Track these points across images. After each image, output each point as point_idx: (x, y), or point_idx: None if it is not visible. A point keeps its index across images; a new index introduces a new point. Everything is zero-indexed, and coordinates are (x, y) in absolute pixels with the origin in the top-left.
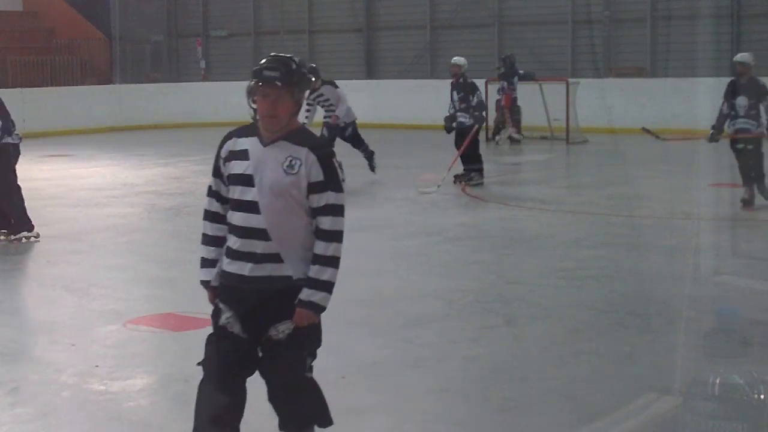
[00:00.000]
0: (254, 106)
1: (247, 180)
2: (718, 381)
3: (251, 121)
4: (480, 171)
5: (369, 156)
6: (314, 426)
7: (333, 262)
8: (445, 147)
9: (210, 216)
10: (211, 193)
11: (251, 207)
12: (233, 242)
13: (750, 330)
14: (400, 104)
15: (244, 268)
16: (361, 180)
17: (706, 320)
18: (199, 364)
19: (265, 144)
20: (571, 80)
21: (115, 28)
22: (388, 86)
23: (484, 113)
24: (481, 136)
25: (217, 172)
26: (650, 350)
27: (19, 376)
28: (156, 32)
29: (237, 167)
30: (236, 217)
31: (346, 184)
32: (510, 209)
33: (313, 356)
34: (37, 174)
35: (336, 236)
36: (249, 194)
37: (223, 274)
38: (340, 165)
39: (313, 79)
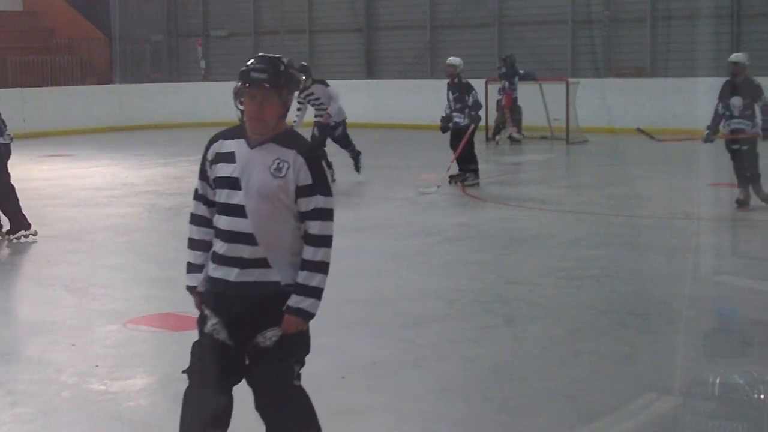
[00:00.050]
0: (241, 107)
1: (233, 183)
2: (718, 381)
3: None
4: (475, 171)
5: (356, 157)
6: None
7: (322, 267)
8: (445, 147)
9: (196, 220)
10: (197, 196)
11: (238, 211)
12: (219, 247)
13: (750, 330)
14: (400, 104)
15: (231, 274)
16: (361, 180)
17: (706, 320)
18: (184, 371)
19: (252, 146)
20: (571, 80)
21: (115, 28)
22: (388, 86)
23: (480, 113)
24: (481, 136)
25: (203, 175)
26: (650, 350)
27: (20, 376)
28: (156, 32)
29: (223, 170)
30: (222, 221)
31: (341, 183)
32: (510, 209)
33: (302, 363)
34: (37, 174)
35: (325, 241)
36: (235, 198)
37: (209, 280)
38: (330, 165)
39: (304, 77)
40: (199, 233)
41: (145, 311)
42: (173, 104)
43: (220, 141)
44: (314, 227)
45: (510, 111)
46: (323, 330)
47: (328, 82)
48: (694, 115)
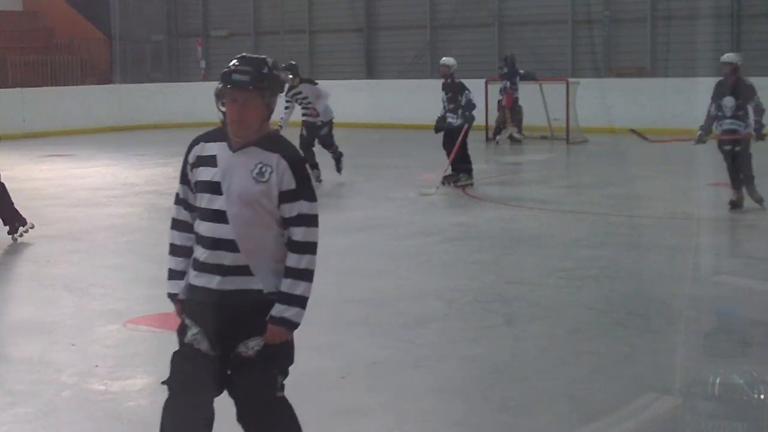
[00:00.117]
0: (223, 109)
1: (214, 188)
2: (718, 381)
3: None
4: (469, 171)
5: (337, 158)
6: None
7: (306, 275)
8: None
9: (177, 225)
10: (179, 200)
11: (219, 216)
12: (200, 254)
13: (750, 330)
14: (400, 104)
15: (212, 282)
16: (361, 180)
17: (706, 320)
18: (164, 383)
19: (234, 150)
20: (571, 80)
21: (115, 28)
22: (388, 86)
23: (473, 113)
24: (481, 136)
25: (184, 179)
26: (650, 350)
27: (20, 376)
28: (156, 32)
29: (204, 174)
30: (203, 227)
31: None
32: (510, 209)
33: (285, 374)
34: (37, 174)
35: (309, 248)
36: (216, 203)
37: (190, 288)
38: (316, 166)
39: (291, 76)
40: (181, 239)
41: (145, 311)
42: (173, 104)
43: (202, 144)
44: (298, 234)
45: (511, 111)
46: (323, 330)
47: (318, 81)
48: (694, 115)
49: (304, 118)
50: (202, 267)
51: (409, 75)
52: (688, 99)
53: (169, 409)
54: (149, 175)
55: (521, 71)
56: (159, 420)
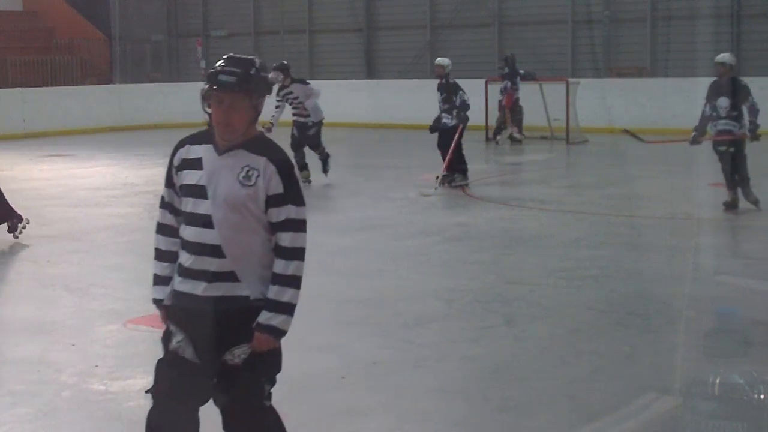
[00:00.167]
0: (209, 111)
1: (200, 191)
2: (718, 381)
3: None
4: (464, 172)
5: (325, 159)
6: None
7: (294, 282)
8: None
9: (163, 229)
10: (164, 204)
11: (204, 221)
12: (185, 259)
13: (750, 330)
14: (400, 104)
15: (197, 288)
16: (361, 180)
17: (706, 320)
18: (147, 391)
19: (220, 153)
20: (571, 80)
21: (115, 28)
22: (388, 86)
23: (468, 113)
24: (481, 136)
25: (169, 182)
26: (650, 350)
27: (20, 376)
28: (156, 32)
29: (190, 177)
30: (188, 232)
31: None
32: (510, 209)
33: (273, 382)
34: (37, 174)
35: (297, 254)
36: (202, 207)
37: (175, 294)
38: (306, 166)
39: (283, 77)
40: (166, 243)
41: (145, 311)
42: (173, 104)
43: (187, 146)
44: (285, 239)
45: (511, 111)
46: (323, 330)
47: (318, 81)
48: (694, 115)
49: (295, 118)
50: (187, 273)
51: (409, 75)
52: (688, 99)
53: (153, 418)
54: (149, 175)
55: (521, 71)
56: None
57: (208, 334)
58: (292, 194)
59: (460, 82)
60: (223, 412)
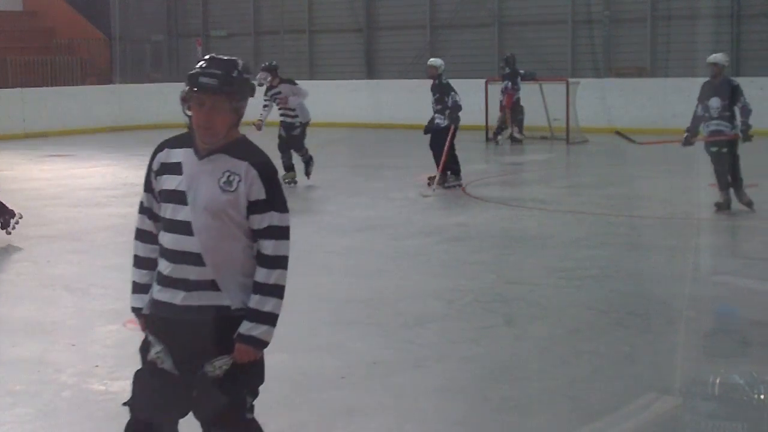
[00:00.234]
0: (189, 113)
1: (179, 197)
2: (718, 381)
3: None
4: (457, 173)
5: (307, 161)
6: None
7: (276, 291)
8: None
9: (142, 235)
10: (143, 209)
11: (183, 228)
12: (164, 267)
13: (750, 330)
14: (400, 104)
15: (176, 297)
16: (361, 180)
17: (706, 320)
18: (125, 404)
19: (200, 157)
20: (571, 80)
21: (115, 28)
22: (388, 86)
23: (459, 114)
24: (481, 137)
25: (148, 187)
26: (650, 350)
27: (20, 377)
28: (156, 32)
29: (169, 182)
30: (167, 239)
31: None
32: (510, 209)
33: (255, 395)
34: (37, 174)
35: (280, 262)
36: (181, 213)
37: (153, 303)
38: (292, 167)
39: (271, 77)
40: (145, 250)
41: None
42: (173, 104)
43: (167, 150)
44: (268, 247)
45: (512, 111)
46: (323, 330)
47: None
48: None
49: (282, 118)
50: (166, 281)
51: (409, 75)
52: (688, 99)
53: (130, 431)
54: None
55: (521, 71)
56: None
57: (188, 345)
58: (275, 200)
59: (460, 82)
60: (203, 425)
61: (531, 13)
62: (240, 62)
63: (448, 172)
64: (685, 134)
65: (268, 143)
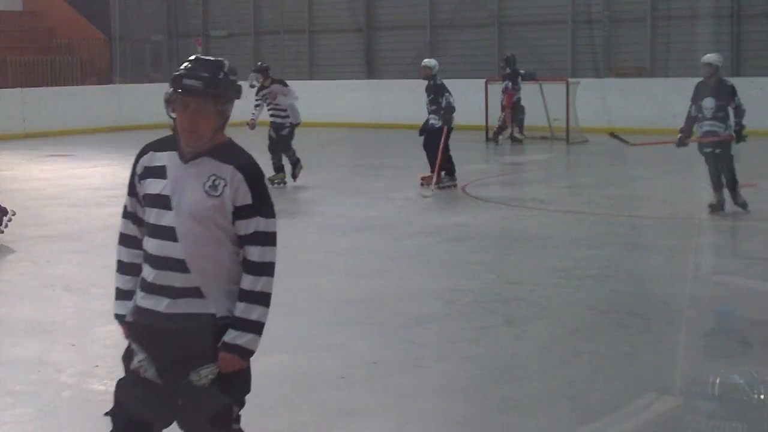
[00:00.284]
0: (173, 115)
1: (163, 202)
2: (718, 381)
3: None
4: (452, 173)
5: (294, 163)
6: None
7: (262, 299)
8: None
9: (125, 240)
10: (126, 214)
11: (168, 233)
12: (148, 273)
13: (750, 330)
14: (400, 104)
15: (160, 304)
16: (361, 180)
17: (706, 320)
18: (107, 414)
19: (185, 160)
20: (571, 80)
21: (115, 28)
22: (388, 86)
23: (453, 115)
24: (481, 137)
25: (132, 191)
26: (650, 350)
27: (20, 377)
28: (156, 32)
29: (153, 186)
30: (151, 245)
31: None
32: (510, 209)
33: (241, 404)
34: (37, 174)
35: (266, 269)
36: (165, 218)
37: (137, 310)
38: (282, 168)
39: (262, 78)
40: (129, 255)
41: None
42: None
43: (151, 153)
44: (254, 253)
45: (513, 111)
46: (323, 330)
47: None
48: None
49: (272, 119)
50: (149, 288)
51: (409, 75)
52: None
53: None
54: None
55: (521, 71)
56: None
57: (172, 354)
58: (262, 205)
59: (460, 82)
60: None
61: (531, 13)
62: (226, 63)
63: (443, 173)
64: (679, 135)
65: (260, 144)
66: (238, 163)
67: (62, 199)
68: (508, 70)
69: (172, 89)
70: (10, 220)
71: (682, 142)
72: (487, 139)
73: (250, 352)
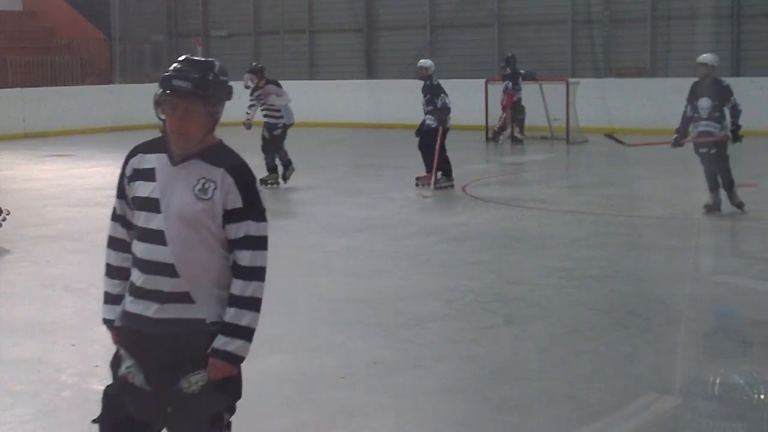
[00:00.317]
0: (163, 117)
1: (152, 205)
2: (718, 381)
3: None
4: (448, 173)
5: (286, 164)
6: None
7: (253, 304)
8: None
9: (114, 243)
10: (115, 216)
11: (156, 237)
12: (136, 278)
13: (750, 330)
14: (400, 104)
15: (149, 309)
16: (361, 180)
17: (706, 320)
18: (94, 421)
19: (175, 163)
20: (571, 80)
21: (115, 28)
22: (388, 86)
23: (448, 116)
24: (481, 136)
25: (121, 193)
26: (650, 350)
27: (20, 377)
28: (156, 32)
29: (142, 189)
30: (140, 249)
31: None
32: (510, 209)
33: (232, 411)
34: (37, 174)
35: (257, 273)
36: (154, 222)
37: (125, 315)
38: (275, 168)
39: (257, 79)
40: (117, 259)
41: None
42: None
43: (140, 155)
44: (244, 258)
45: (513, 111)
46: (323, 330)
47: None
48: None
49: (266, 119)
50: (138, 292)
51: (409, 75)
52: None
53: None
54: None
55: (521, 71)
56: None
57: (160, 360)
58: (252, 209)
59: (460, 82)
60: None
61: (531, 13)
62: (216, 64)
63: (440, 173)
64: (675, 135)
65: (255, 144)
66: (229, 165)
67: (62, 199)
68: (508, 70)
69: (161, 90)
70: (4, 219)
71: (677, 143)
72: (487, 139)
73: (240, 359)
